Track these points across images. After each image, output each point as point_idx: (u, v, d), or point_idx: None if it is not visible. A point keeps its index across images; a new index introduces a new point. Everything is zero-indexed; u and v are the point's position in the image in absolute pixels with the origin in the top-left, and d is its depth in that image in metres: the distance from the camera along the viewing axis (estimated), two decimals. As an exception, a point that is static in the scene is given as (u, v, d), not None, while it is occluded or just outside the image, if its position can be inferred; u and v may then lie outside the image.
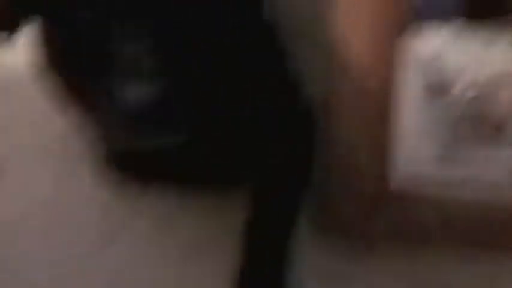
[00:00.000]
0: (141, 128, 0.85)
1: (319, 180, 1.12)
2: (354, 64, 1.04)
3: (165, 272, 1.14)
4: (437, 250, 1.12)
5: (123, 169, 1.19)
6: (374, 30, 1.01)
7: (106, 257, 1.15)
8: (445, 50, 1.34)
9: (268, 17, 1.12)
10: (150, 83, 0.83)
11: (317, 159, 1.11)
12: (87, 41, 0.88)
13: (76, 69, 0.93)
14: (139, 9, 0.87)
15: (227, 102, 1.03)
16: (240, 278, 1.07)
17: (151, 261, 1.15)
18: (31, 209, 1.20)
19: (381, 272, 1.12)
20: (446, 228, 1.10)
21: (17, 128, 1.32)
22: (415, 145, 1.20)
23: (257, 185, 1.14)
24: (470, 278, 1.12)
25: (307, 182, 1.13)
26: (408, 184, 1.12)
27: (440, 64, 1.32)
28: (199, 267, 1.13)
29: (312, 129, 1.15)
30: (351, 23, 1.01)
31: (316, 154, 1.12)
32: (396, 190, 1.10)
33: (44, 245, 1.17)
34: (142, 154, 1.11)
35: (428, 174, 1.15)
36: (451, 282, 1.12)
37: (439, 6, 1.38)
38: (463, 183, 1.15)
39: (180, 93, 0.85)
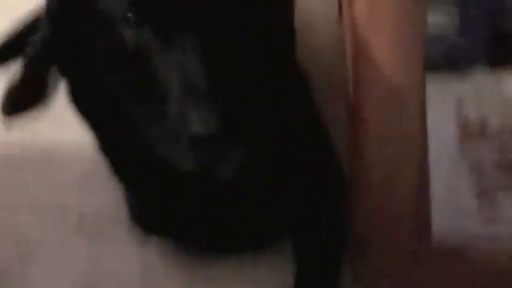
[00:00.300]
0: (204, 153, 0.87)
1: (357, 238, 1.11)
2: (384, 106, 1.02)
3: None
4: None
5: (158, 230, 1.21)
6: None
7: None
8: (478, 91, 1.33)
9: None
10: (211, 107, 0.85)
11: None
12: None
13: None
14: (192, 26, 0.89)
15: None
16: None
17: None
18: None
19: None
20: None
21: (47, 205, 1.36)
22: (453, 195, 1.17)
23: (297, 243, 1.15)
24: None
25: (344, 240, 1.12)
26: (450, 238, 1.09)
27: (474, 105, 1.31)
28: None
29: (343, 181, 1.16)
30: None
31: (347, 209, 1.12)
32: (437, 244, 1.07)
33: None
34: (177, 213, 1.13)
35: (470, 226, 1.12)
36: None
37: (461, 55, 1.40)
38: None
39: (234, 119, 0.87)
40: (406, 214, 1.07)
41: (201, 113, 0.84)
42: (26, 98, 1.67)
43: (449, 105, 1.31)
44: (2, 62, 1.87)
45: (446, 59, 1.40)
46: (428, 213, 1.08)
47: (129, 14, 0.89)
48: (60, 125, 1.60)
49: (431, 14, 1.36)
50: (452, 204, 1.14)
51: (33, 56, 1.76)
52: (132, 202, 1.25)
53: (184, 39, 0.88)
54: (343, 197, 1.16)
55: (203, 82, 0.86)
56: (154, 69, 0.89)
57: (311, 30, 1.30)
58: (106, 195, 1.36)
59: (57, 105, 1.68)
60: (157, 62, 0.89)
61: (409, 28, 0.97)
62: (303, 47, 1.20)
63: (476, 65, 1.39)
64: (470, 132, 1.28)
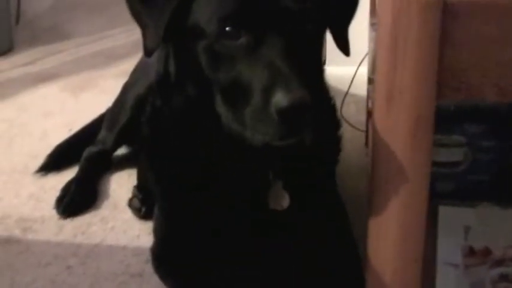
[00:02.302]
0: (289, 128, 1.09)
1: None
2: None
3: None
4: None
5: None
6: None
7: None
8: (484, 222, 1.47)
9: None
10: (295, 90, 1.07)
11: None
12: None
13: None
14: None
15: None
16: None
17: None
18: None
19: None
20: None
21: None
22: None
23: None
24: None
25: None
26: None
27: (480, 229, 1.45)
28: None
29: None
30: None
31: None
32: None
33: None
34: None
35: None
36: None
37: (471, 189, 1.54)
38: None
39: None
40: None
41: (287, 89, 1.05)
42: (78, 201, 1.87)
43: (458, 233, 1.45)
44: (58, 167, 2.08)
45: (456, 193, 1.55)
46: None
47: (228, 28, 1.14)
48: (107, 227, 1.78)
49: (445, 152, 1.52)
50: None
51: (88, 165, 1.97)
52: None
53: (271, 39, 1.12)
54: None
55: (286, 68, 1.09)
56: (246, 66, 1.12)
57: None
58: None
59: (105, 209, 1.88)
60: (248, 60, 1.12)
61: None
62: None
63: (485, 199, 1.53)
64: (475, 258, 1.41)
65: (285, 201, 1.29)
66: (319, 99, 1.29)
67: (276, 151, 1.17)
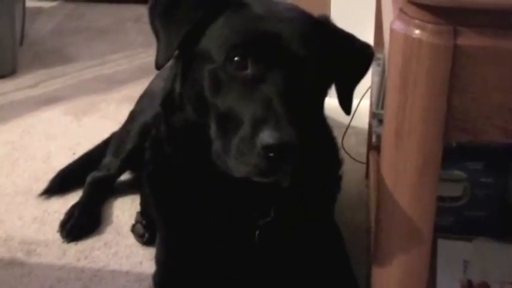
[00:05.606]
0: (269, 166, 1.11)
1: None
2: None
3: None
4: None
5: None
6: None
7: None
8: (482, 250, 1.50)
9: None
10: (283, 130, 1.10)
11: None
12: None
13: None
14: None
15: None
16: None
17: None
18: None
19: None
20: None
21: None
22: None
23: None
24: None
25: None
26: None
27: (478, 263, 1.48)
28: None
29: None
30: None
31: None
32: None
33: None
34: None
35: None
36: None
37: (470, 224, 1.59)
38: None
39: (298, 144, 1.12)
40: None
41: (276, 127, 1.09)
42: (82, 225, 1.89)
43: (456, 267, 1.48)
44: (62, 190, 2.10)
45: (456, 227, 1.58)
46: None
47: (236, 58, 1.18)
48: (110, 252, 1.80)
49: (445, 187, 1.55)
50: None
51: (92, 190, 1.99)
52: None
53: (273, 77, 1.16)
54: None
55: (281, 107, 1.12)
56: (244, 98, 1.16)
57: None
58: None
59: (109, 234, 1.90)
60: (248, 92, 1.16)
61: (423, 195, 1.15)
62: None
63: (482, 233, 1.57)
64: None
65: None
66: (318, 141, 1.34)
67: (271, 186, 1.19)
